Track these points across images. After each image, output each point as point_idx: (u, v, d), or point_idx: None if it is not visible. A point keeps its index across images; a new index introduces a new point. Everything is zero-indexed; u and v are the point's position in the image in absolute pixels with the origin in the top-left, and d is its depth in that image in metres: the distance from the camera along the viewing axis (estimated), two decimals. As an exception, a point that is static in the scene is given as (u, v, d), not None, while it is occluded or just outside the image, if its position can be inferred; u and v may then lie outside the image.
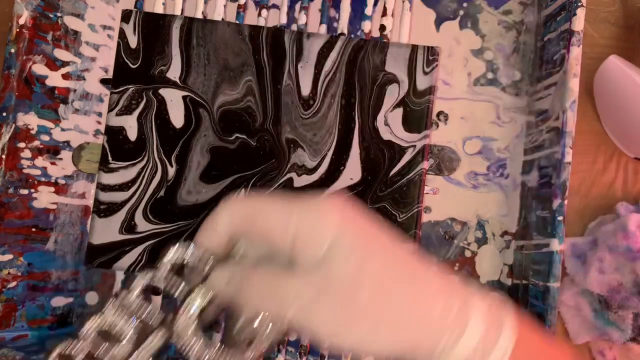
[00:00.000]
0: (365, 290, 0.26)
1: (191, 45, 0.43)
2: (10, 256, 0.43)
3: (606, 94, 0.46)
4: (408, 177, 0.42)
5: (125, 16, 0.43)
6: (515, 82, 0.48)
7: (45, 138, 0.45)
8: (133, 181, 0.42)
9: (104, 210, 0.42)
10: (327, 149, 0.42)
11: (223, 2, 0.44)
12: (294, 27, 0.45)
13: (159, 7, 0.44)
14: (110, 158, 0.42)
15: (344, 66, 0.43)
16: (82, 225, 0.47)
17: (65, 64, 0.46)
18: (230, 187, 0.42)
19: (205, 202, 0.42)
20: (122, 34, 0.43)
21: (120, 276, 0.43)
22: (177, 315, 0.27)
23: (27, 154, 0.44)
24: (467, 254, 0.47)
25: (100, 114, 0.48)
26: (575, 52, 0.40)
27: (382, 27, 0.44)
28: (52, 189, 0.45)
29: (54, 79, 0.45)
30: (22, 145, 0.43)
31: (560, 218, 0.40)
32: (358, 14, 0.48)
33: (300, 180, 0.42)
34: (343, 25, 0.44)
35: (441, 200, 0.48)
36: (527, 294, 0.43)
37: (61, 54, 0.46)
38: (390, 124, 0.42)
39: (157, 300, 0.43)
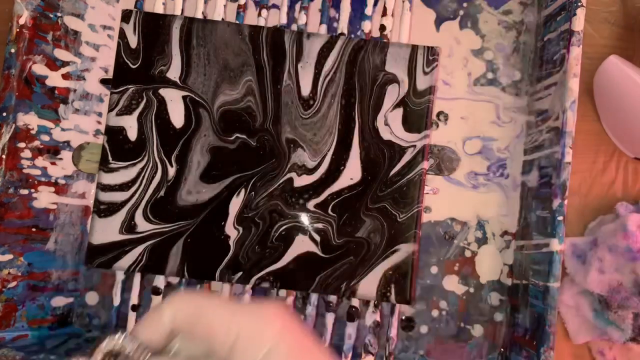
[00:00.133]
0: None
1: (191, 45, 0.43)
2: (11, 256, 0.43)
3: (606, 94, 0.47)
4: (408, 177, 0.42)
5: (126, 16, 0.43)
6: (515, 82, 0.48)
7: (46, 138, 0.45)
8: (133, 181, 0.42)
9: (104, 210, 0.42)
10: (327, 149, 0.42)
11: (223, 2, 0.44)
12: (294, 27, 0.45)
13: (159, 7, 0.44)
14: (110, 158, 0.42)
15: (344, 66, 0.43)
16: (82, 225, 0.47)
17: (65, 64, 0.46)
18: (230, 187, 0.42)
19: (205, 202, 0.42)
20: (122, 34, 0.43)
21: (120, 276, 0.43)
22: None
23: (27, 154, 0.44)
24: (467, 254, 0.47)
25: (100, 114, 0.48)
26: (575, 52, 0.40)
27: (382, 27, 0.44)
28: (52, 189, 0.45)
29: (54, 79, 0.45)
30: (22, 145, 0.43)
31: (560, 218, 0.40)
32: (358, 14, 0.48)
33: (300, 180, 0.42)
34: (343, 25, 0.44)
35: (441, 200, 0.48)
36: (527, 293, 0.43)
37: (61, 54, 0.46)
38: (390, 124, 0.42)
39: (157, 300, 0.43)
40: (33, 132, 0.44)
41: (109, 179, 0.42)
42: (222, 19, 0.45)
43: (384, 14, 0.44)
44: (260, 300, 0.27)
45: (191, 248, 0.42)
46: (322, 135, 0.43)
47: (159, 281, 0.43)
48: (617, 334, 0.43)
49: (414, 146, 0.42)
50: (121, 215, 0.42)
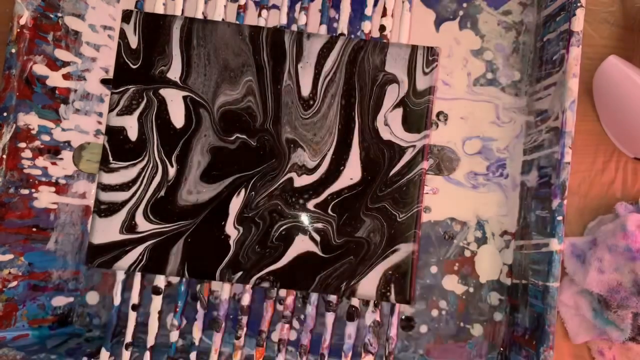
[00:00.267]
0: None
1: (191, 46, 0.43)
2: (11, 256, 0.43)
3: (605, 94, 0.47)
4: (408, 177, 0.42)
5: (126, 16, 0.43)
6: (515, 82, 0.48)
7: (46, 138, 0.45)
8: (134, 181, 0.42)
9: (105, 210, 0.42)
10: (327, 149, 0.43)
11: (223, 2, 0.45)
12: (294, 27, 0.45)
13: (160, 8, 0.44)
14: (110, 158, 0.42)
15: (344, 66, 0.43)
16: (82, 225, 0.48)
17: (65, 64, 0.46)
18: (231, 187, 0.42)
19: (205, 202, 0.42)
20: (122, 34, 0.43)
21: (120, 276, 0.43)
22: None
23: (27, 154, 0.44)
24: (467, 253, 0.48)
25: (100, 114, 0.48)
26: (575, 53, 0.40)
27: (382, 28, 0.44)
28: (53, 188, 0.46)
29: (55, 79, 0.45)
30: (22, 145, 0.44)
31: (559, 218, 0.40)
32: (358, 14, 0.48)
33: (300, 180, 0.42)
34: (343, 26, 0.45)
35: (441, 200, 0.48)
36: (527, 293, 0.43)
37: (62, 54, 0.46)
38: (390, 124, 0.42)
39: (158, 300, 0.43)
40: (34, 132, 0.44)
41: (109, 178, 0.42)
42: (223, 20, 0.45)
43: (384, 14, 0.44)
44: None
45: (191, 248, 0.42)
46: (322, 135, 0.43)
47: (160, 281, 0.43)
48: (616, 333, 0.44)
49: (414, 146, 0.42)
50: (121, 215, 0.42)
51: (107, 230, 0.42)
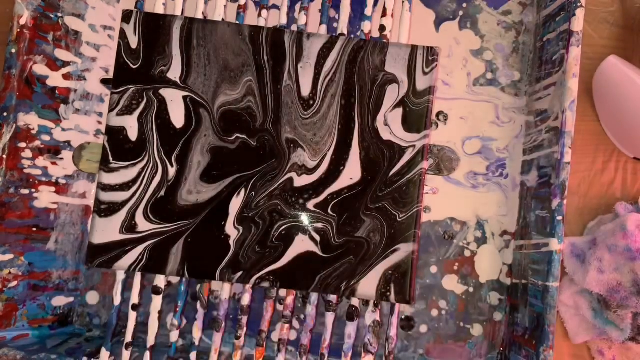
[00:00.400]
0: None
1: (191, 46, 0.43)
2: (11, 256, 0.43)
3: (605, 94, 0.47)
4: (408, 177, 0.42)
5: (126, 16, 0.43)
6: (515, 83, 0.48)
7: (46, 138, 0.45)
8: (134, 181, 0.42)
9: (105, 210, 0.42)
10: (327, 149, 0.43)
11: (223, 2, 0.45)
12: (294, 27, 0.45)
13: (160, 8, 0.44)
14: (110, 158, 0.42)
15: (344, 66, 0.43)
16: (82, 225, 0.48)
17: (66, 64, 0.46)
18: (231, 187, 0.42)
19: (205, 202, 0.42)
20: (122, 35, 0.43)
21: (120, 276, 0.43)
22: None
23: (27, 154, 0.44)
24: (467, 253, 0.48)
25: (100, 114, 0.48)
26: (575, 53, 0.40)
27: (382, 28, 0.44)
28: (53, 188, 0.46)
29: (55, 79, 0.45)
30: (23, 145, 0.44)
31: (559, 218, 0.40)
32: (358, 14, 0.48)
33: (300, 180, 0.42)
34: (343, 26, 0.45)
35: (441, 200, 0.48)
36: (527, 293, 0.43)
37: (62, 54, 0.46)
38: (390, 124, 0.42)
39: (158, 299, 0.43)
40: (34, 132, 0.44)
41: (109, 178, 0.42)
42: (223, 20, 0.45)
43: (384, 14, 0.44)
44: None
45: (191, 248, 0.42)
46: (322, 136, 0.43)
47: (160, 281, 0.43)
48: (616, 333, 0.44)
49: (414, 146, 0.42)
50: (122, 215, 0.42)
51: (107, 230, 0.42)
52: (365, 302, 0.45)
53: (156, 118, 0.43)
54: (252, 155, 0.43)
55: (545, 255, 0.41)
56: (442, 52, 0.49)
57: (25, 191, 0.44)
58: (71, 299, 0.47)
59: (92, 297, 0.48)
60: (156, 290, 0.43)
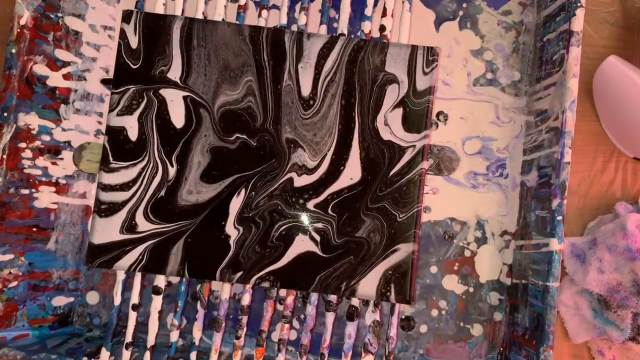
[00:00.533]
0: None
1: (192, 46, 0.43)
2: (11, 256, 0.43)
3: (605, 94, 0.47)
4: (408, 177, 0.42)
5: (126, 17, 0.43)
6: (515, 83, 0.48)
7: (46, 138, 0.45)
8: (134, 181, 0.42)
9: (105, 210, 0.42)
10: (327, 149, 0.43)
11: (223, 2, 0.45)
12: (294, 27, 0.45)
13: (160, 8, 0.44)
14: (111, 158, 0.42)
15: (344, 66, 0.43)
16: (82, 225, 0.48)
17: (66, 64, 0.46)
18: (231, 187, 0.42)
19: (205, 202, 0.42)
20: (122, 35, 0.43)
21: (121, 276, 0.43)
22: None
23: (28, 154, 0.44)
24: (467, 253, 0.48)
25: (101, 114, 0.48)
26: (575, 53, 0.40)
27: (382, 28, 0.44)
28: (53, 188, 0.46)
29: (55, 79, 0.45)
30: (23, 145, 0.44)
31: (559, 218, 0.40)
32: (358, 14, 0.48)
33: (300, 180, 0.42)
34: (343, 26, 0.45)
35: (441, 200, 0.48)
36: (527, 293, 0.43)
37: (62, 54, 0.46)
38: (390, 124, 0.42)
39: (158, 299, 0.43)
40: (34, 132, 0.44)
41: (109, 178, 0.42)
42: (223, 20, 0.45)
43: (384, 14, 0.44)
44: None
45: (191, 248, 0.42)
46: (322, 136, 0.43)
47: (160, 281, 0.43)
48: (616, 333, 0.44)
49: (414, 146, 0.42)
50: (122, 215, 0.42)
51: (107, 230, 0.42)
52: (365, 302, 0.45)
53: (156, 118, 0.43)
54: (252, 155, 0.43)
55: (545, 255, 0.41)
56: (442, 52, 0.49)
57: (26, 191, 0.44)
58: (71, 299, 0.47)
59: (92, 297, 0.48)
60: (156, 290, 0.43)
